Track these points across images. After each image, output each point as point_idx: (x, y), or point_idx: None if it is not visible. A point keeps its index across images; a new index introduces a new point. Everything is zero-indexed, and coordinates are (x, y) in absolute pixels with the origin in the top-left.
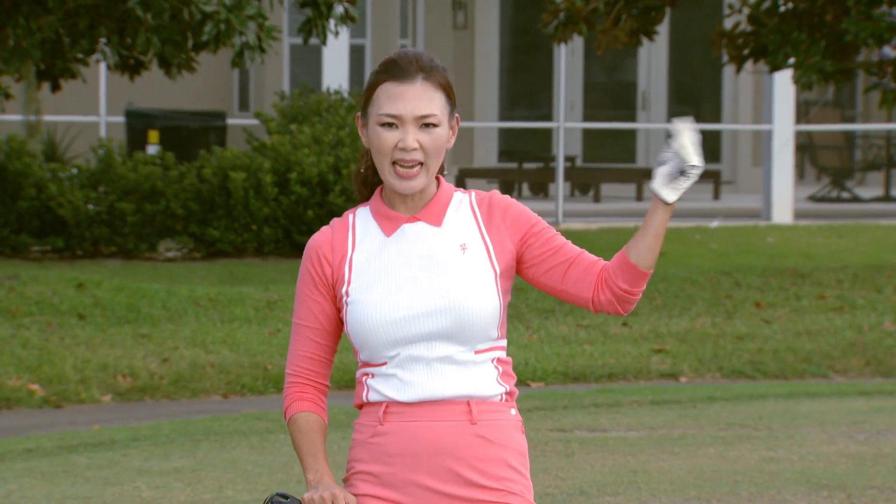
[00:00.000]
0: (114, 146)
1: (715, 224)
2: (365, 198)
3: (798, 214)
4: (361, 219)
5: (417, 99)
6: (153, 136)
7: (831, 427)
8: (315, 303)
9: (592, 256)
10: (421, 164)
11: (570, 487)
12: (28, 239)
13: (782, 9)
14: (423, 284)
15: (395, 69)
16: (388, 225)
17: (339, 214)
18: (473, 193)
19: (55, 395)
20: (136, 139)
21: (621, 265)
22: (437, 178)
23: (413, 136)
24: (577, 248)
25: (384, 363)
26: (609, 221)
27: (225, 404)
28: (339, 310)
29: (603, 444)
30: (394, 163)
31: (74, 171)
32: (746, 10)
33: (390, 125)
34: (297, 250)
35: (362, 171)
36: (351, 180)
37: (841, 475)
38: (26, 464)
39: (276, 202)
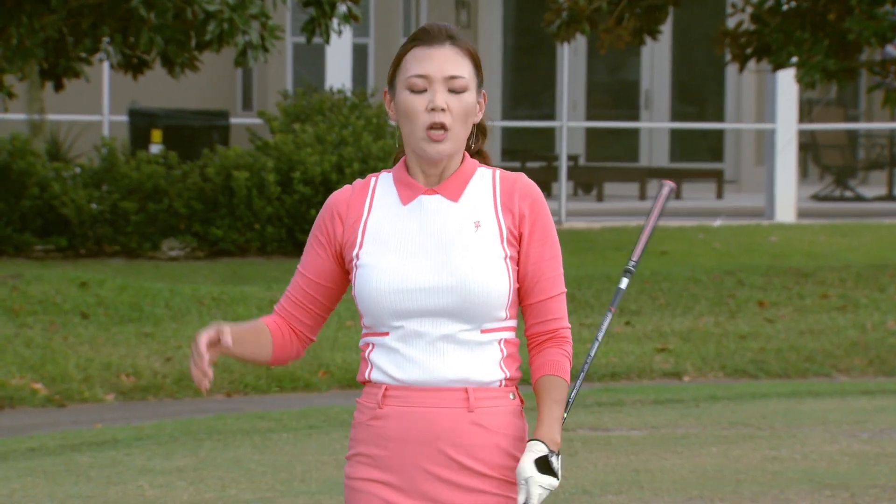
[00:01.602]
0: (117, 145)
1: (718, 223)
2: None
3: (801, 213)
4: (382, 184)
5: (446, 60)
6: (156, 135)
7: (834, 426)
8: (316, 256)
9: (555, 313)
10: (448, 129)
11: (572, 486)
12: (31, 238)
13: (785, 8)
14: (434, 259)
15: (424, 35)
16: (406, 193)
17: None
18: (498, 172)
19: (58, 394)
20: (139, 138)
21: (534, 366)
22: (463, 154)
23: (442, 97)
24: (555, 289)
25: (386, 333)
26: (612, 220)
27: (228, 403)
28: (347, 271)
29: (606, 444)
30: (426, 127)
31: (78, 170)
32: (749, 9)
33: (419, 91)
34: (300, 249)
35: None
36: (392, 162)
37: (844, 474)
38: (29, 463)
39: (279, 201)
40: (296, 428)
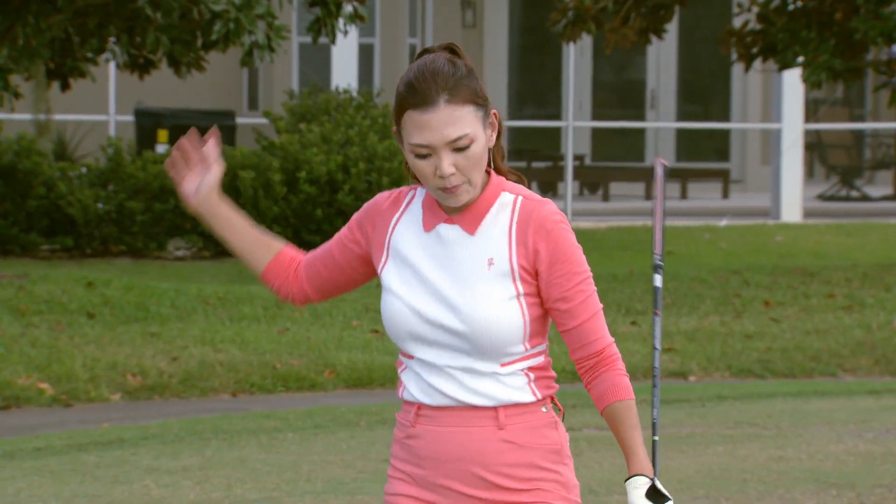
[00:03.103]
0: (123, 145)
1: (724, 223)
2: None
3: (807, 213)
4: (416, 202)
5: (444, 125)
6: (162, 134)
7: (840, 426)
8: (341, 244)
9: (595, 333)
10: (462, 183)
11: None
12: (37, 238)
13: (791, 7)
14: (447, 298)
15: (416, 96)
16: (429, 219)
17: (348, 213)
18: (520, 200)
19: (64, 393)
20: (145, 138)
21: (594, 397)
22: (489, 172)
23: (448, 162)
24: (590, 310)
25: (412, 356)
26: (618, 220)
27: (234, 403)
28: (370, 271)
29: (611, 443)
30: (437, 189)
31: (84, 169)
32: (755, 9)
33: (424, 156)
34: (306, 249)
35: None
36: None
37: (850, 474)
38: (35, 462)
39: (285, 201)
40: (302, 427)
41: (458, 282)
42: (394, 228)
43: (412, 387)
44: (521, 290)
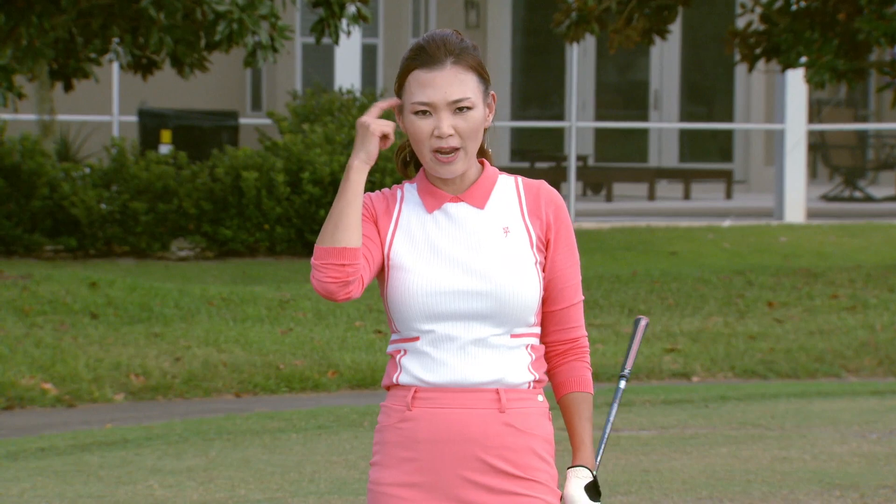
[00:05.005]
0: (126, 146)
1: (727, 223)
2: (407, 176)
3: (810, 214)
4: (409, 194)
5: (448, 84)
6: (166, 135)
7: (844, 426)
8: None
9: (575, 321)
10: (459, 148)
11: None
12: (41, 238)
13: (794, 8)
14: (467, 264)
15: (424, 56)
16: (431, 202)
17: None
18: (520, 179)
19: (68, 394)
20: (148, 138)
21: (557, 381)
22: (482, 162)
23: (448, 123)
24: (577, 296)
25: (417, 338)
26: (621, 221)
27: (237, 403)
28: (381, 265)
29: (615, 444)
30: (433, 150)
31: (87, 170)
32: (759, 10)
33: (424, 113)
34: (308, 249)
35: (404, 151)
36: (394, 159)
37: (853, 475)
38: (39, 463)
39: (288, 201)
40: (305, 428)
41: (477, 249)
42: (398, 216)
43: (414, 368)
44: (536, 257)
